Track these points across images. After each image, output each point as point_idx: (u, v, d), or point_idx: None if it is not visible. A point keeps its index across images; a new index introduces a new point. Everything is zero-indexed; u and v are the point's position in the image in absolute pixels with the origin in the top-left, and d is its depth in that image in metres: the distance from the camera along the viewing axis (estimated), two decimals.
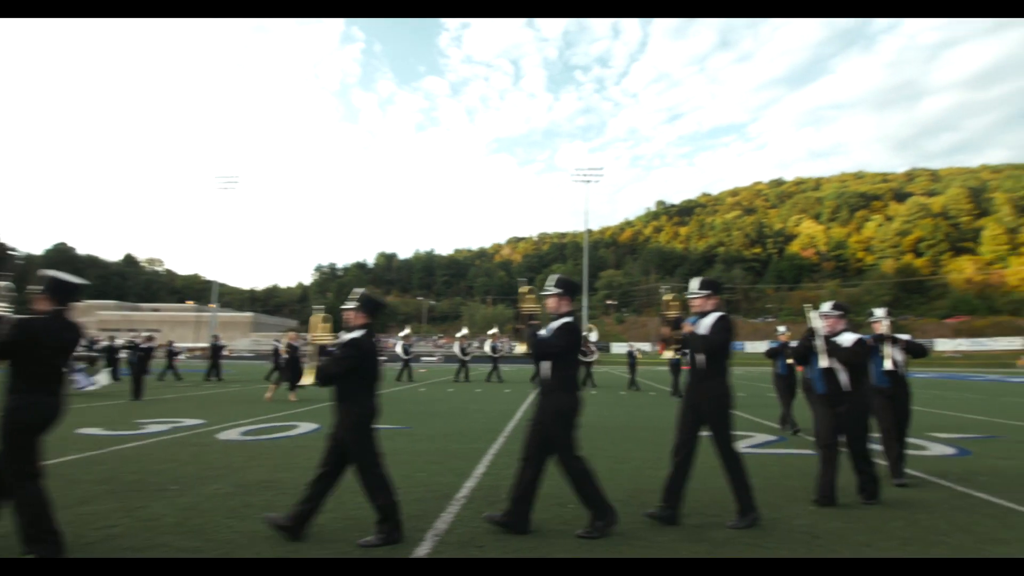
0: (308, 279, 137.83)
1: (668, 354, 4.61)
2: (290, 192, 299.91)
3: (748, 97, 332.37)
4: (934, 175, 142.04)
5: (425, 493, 4.66)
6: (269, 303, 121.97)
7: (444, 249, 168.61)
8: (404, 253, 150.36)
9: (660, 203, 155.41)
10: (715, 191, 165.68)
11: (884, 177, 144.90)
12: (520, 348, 3.96)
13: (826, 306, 4.85)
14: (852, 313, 5.07)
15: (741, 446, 7.09)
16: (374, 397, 3.71)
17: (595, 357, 19.08)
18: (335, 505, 4.07)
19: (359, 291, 3.96)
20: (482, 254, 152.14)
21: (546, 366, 3.73)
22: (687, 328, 4.09)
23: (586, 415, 10.17)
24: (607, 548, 3.40)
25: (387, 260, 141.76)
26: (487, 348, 22.59)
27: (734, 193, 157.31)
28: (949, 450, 6.86)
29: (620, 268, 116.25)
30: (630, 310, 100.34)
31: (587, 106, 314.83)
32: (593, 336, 18.98)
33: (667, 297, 4.48)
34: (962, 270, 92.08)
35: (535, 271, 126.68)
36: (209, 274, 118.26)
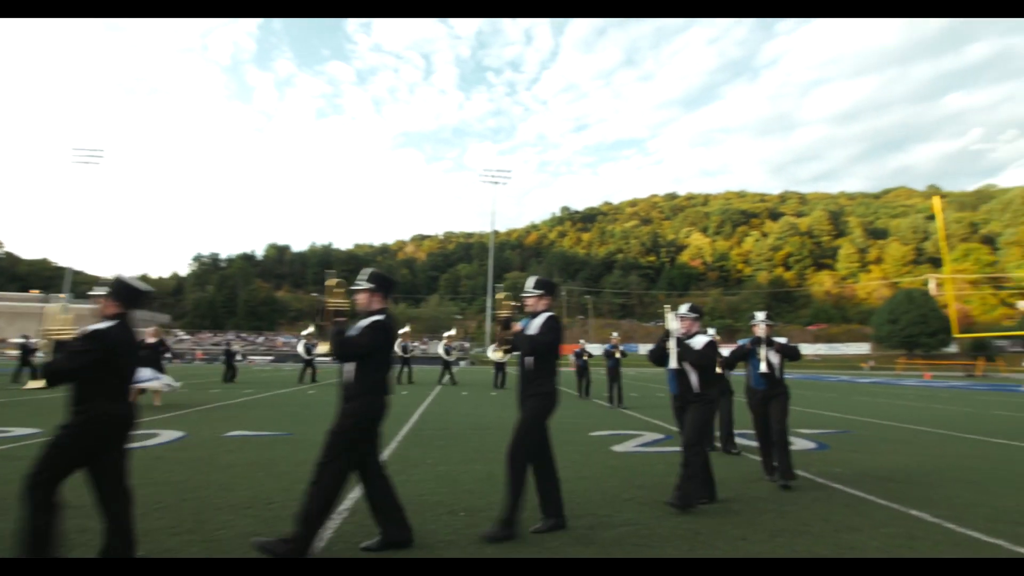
0: (185, 269, 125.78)
1: (497, 355, 4.50)
2: (167, 172, 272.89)
3: (648, 114, 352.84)
4: (802, 198, 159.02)
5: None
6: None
7: (343, 243, 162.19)
8: (298, 245, 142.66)
9: (565, 209, 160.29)
10: (616, 200, 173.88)
11: (762, 197, 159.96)
12: (323, 347, 3.71)
13: (683, 308, 4.81)
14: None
15: (631, 445, 7.27)
16: (118, 401, 2.96)
17: (505, 359, 18.88)
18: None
19: (115, 277, 3.26)
20: (384, 250, 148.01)
21: (350, 368, 3.32)
22: (516, 328, 3.96)
23: (484, 416, 9.86)
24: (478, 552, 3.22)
25: (279, 252, 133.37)
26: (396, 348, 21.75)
27: (633, 204, 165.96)
28: (811, 444, 7.49)
29: (525, 270, 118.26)
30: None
31: (498, 108, 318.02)
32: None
33: (500, 296, 4.32)
34: (822, 283, 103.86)
35: (440, 270, 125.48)
36: (61, 259, 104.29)
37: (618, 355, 13.03)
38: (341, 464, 3.25)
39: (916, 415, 11.80)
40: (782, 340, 5.57)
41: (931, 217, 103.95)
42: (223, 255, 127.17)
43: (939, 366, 51.56)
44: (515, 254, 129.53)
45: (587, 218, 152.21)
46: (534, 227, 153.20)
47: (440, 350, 20.89)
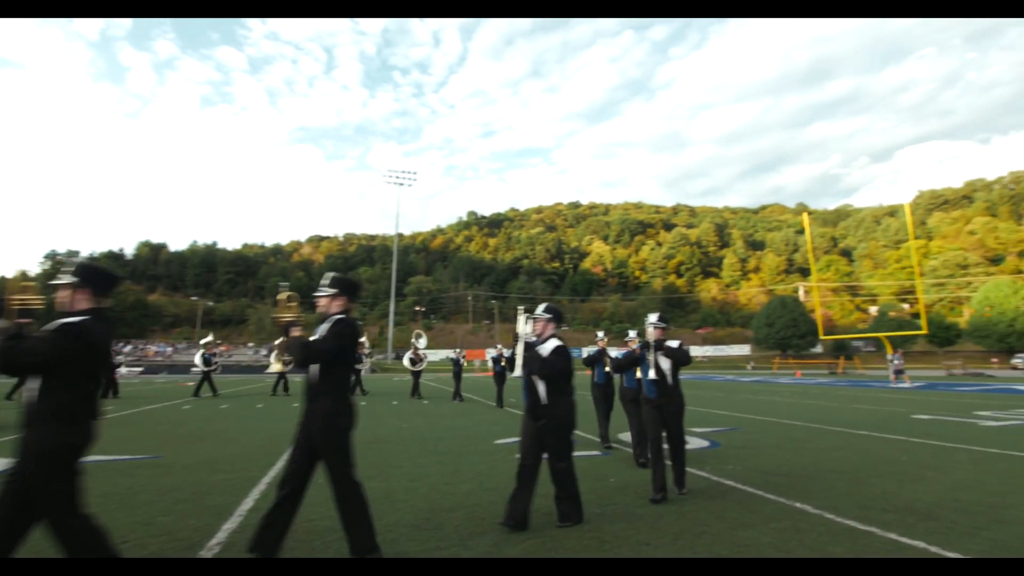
0: (36, 268, 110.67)
1: (276, 367, 3.93)
2: (13, 156, 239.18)
3: (554, 125, 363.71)
4: (692, 211, 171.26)
5: (165, 544, 3.69)
6: None
7: (230, 243, 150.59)
8: (177, 244, 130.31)
9: (472, 213, 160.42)
10: (522, 207, 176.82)
11: (657, 209, 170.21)
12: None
13: (539, 309, 4.42)
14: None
15: None
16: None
17: (423, 365, 18.17)
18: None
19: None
20: (278, 251, 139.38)
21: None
22: (296, 333, 3.34)
23: (383, 428, 9.33)
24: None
25: (152, 251, 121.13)
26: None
27: (539, 210, 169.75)
28: (704, 443, 7.85)
29: (430, 275, 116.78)
30: (438, 317, 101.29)
31: (404, 109, 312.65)
32: (422, 343, 18.02)
33: (282, 296, 3.65)
34: (709, 290, 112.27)
35: (340, 272, 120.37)
36: None
37: None
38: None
39: (792, 411, 12.87)
40: (674, 343, 5.09)
41: (800, 231, 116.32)
42: (84, 253, 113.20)
43: (808, 365, 57.47)
44: (420, 258, 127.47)
45: (494, 223, 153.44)
46: (440, 231, 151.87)
47: (198, 359, 19.28)
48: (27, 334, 2.63)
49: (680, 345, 5.11)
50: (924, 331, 38.83)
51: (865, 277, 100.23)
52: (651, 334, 5.07)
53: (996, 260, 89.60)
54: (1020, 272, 78.12)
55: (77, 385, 2.58)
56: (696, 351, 78.61)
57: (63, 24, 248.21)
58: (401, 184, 60.20)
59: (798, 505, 4.46)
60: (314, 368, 3.28)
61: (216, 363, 18.66)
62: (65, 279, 2.74)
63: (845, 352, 61.16)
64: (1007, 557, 3.31)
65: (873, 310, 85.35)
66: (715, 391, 21.42)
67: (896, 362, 23.85)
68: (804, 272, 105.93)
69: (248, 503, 4.73)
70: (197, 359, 18.51)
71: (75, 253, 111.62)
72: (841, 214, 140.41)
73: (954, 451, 7.03)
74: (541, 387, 4.08)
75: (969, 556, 3.33)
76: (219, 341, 75.09)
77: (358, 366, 18.77)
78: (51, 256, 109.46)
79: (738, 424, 10.23)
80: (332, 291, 3.51)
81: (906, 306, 79.31)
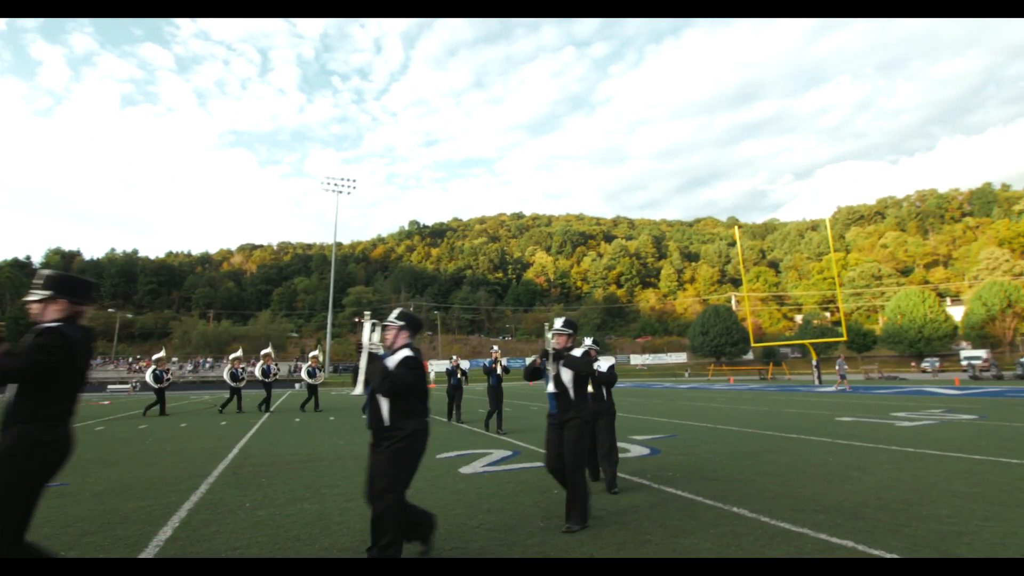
0: None
1: None
2: None
3: (497, 136, 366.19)
4: (631, 223, 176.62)
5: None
6: None
7: (152, 251, 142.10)
8: (92, 251, 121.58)
9: (414, 223, 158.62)
10: (465, 217, 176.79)
11: (598, 221, 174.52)
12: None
13: (392, 315, 3.95)
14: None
15: (479, 466, 7.04)
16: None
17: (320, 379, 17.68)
18: None
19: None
20: (205, 260, 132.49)
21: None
22: None
23: (320, 446, 8.88)
24: None
25: (65, 259, 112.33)
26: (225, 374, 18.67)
27: (482, 221, 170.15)
28: (644, 450, 7.95)
29: (370, 285, 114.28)
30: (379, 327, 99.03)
31: (344, 115, 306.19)
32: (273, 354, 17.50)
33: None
34: (648, 299, 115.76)
35: (273, 283, 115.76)
36: None
37: (499, 370, 11.28)
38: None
39: (726, 416, 13.33)
40: (577, 352, 4.57)
41: (732, 244, 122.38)
42: None
43: (740, 372, 60.17)
44: (360, 267, 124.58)
45: (436, 233, 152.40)
46: (381, 240, 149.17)
47: (303, 373, 18.61)
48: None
49: (588, 354, 4.59)
50: (844, 338, 41.56)
51: (791, 287, 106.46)
52: (551, 342, 4.50)
53: (906, 272, 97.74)
54: (927, 283, 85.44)
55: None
56: (636, 359, 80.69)
57: None
58: (340, 192, 58.70)
59: (735, 510, 4.55)
60: (12, 388, 2.57)
61: (168, 379, 17.55)
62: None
63: (773, 359, 64.48)
64: (926, 557, 3.47)
65: (798, 318, 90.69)
66: (654, 398, 21.95)
67: (843, 367, 25.21)
68: (736, 283, 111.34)
69: (166, 532, 4.37)
70: (148, 376, 17.39)
71: None
72: (769, 228, 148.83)
73: (875, 451, 7.44)
74: (385, 405, 3.46)
75: (892, 553, 3.47)
76: (174, 358, 70.18)
77: (313, 381, 17.89)
78: None
79: (676, 430, 10.47)
80: (46, 293, 2.71)
81: (828, 314, 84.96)
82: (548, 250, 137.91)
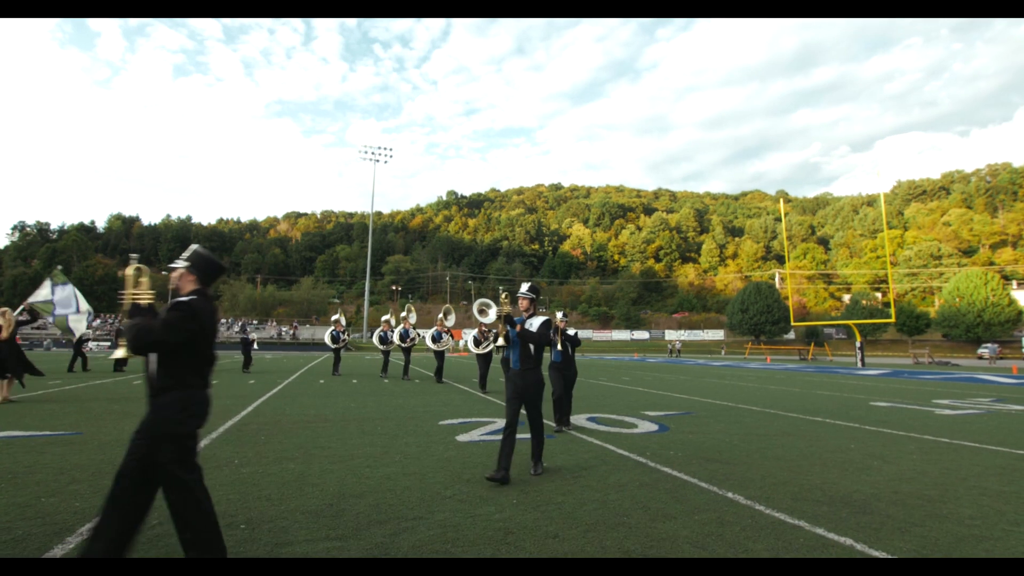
0: (3, 240, 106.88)
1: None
2: None
3: (538, 105, 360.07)
4: (673, 196, 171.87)
5: (34, 528, 3.39)
6: None
7: (205, 218, 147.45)
8: (150, 217, 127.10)
9: (452, 193, 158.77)
10: (503, 188, 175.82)
11: (638, 193, 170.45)
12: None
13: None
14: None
15: (476, 434, 6.88)
16: None
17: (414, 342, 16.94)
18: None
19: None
20: (254, 227, 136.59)
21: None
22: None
23: (331, 408, 8.83)
24: None
25: (125, 224, 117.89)
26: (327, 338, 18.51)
27: (520, 192, 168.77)
28: (652, 427, 7.59)
29: (408, 254, 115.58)
30: (416, 296, 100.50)
31: (385, 83, 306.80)
32: (413, 318, 16.92)
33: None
34: (687, 275, 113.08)
35: (317, 251, 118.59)
36: None
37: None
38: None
39: (751, 396, 12.77)
40: (536, 322, 5.00)
41: (779, 218, 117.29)
42: (54, 225, 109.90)
43: (779, 351, 58.32)
44: (399, 237, 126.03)
45: (474, 203, 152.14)
46: (419, 210, 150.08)
47: (327, 338, 18.41)
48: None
49: (547, 323, 4.98)
50: (893, 319, 39.49)
51: (841, 265, 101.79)
52: (502, 309, 4.86)
53: (969, 252, 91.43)
54: (992, 264, 79.98)
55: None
56: (671, 335, 79.36)
57: None
58: (377, 160, 58.93)
59: (730, 495, 4.19)
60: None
61: (344, 340, 17.99)
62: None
63: (816, 339, 62.19)
64: (932, 557, 3.05)
65: (846, 298, 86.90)
66: (681, 375, 21.39)
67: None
68: (782, 259, 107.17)
69: None
70: (327, 337, 18.15)
71: (45, 225, 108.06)
72: (820, 202, 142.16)
73: (904, 440, 6.87)
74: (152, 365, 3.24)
75: (894, 555, 3.06)
76: (225, 319, 73.48)
77: (336, 346, 17.91)
78: (19, 227, 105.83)
79: (693, 408, 10.04)
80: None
81: (879, 295, 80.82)
82: (586, 222, 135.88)
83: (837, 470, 5.10)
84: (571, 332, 7.53)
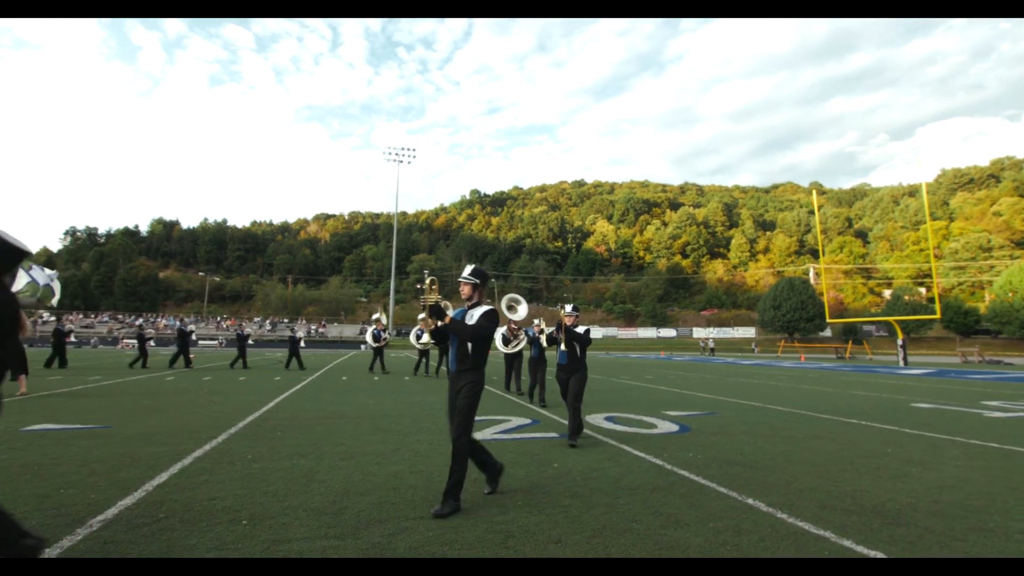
0: (56, 244, 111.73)
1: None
2: (32, 135, 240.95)
3: (560, 101, 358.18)
4: (700, 190, 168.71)
5: (48, 519, 3.42)
6: None
7: (240, 220, 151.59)
8: (189, 221, 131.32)
9: (475, 192, 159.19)
10: (526, 185, 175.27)
11: (664, 188, 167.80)
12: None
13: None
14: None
15: (490, 432, 6.76)
16: None
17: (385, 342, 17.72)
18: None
19: None
20: (285, 229, 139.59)
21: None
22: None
23: (350, 404, 8.76)
24: None
25: (166, 228, 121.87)
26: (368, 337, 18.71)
27: (542, 189, 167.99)
28: (674, 427, 7.31)
29: (432, 253, 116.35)
30: (441, 296, 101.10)
31: (409, 86, 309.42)
32: (384, 319, 17.26)
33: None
34: (715, 270, 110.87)
35: (345, 251, 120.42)
36: None
37: (544, 341, 9.28)
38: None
39: (781, 396, 12.30)
40: (477, 313, 4.46)
41: (813, 211, 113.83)
42: (102, 230, 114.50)
43: (814, 349, 56.63)
44: (423, 236, 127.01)
45: (496, 202, 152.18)
46: (443, 209, 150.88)
47: (368, 337, 18.39)
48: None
49: (490, 315, 4.13)
50: (938, 316, 37.78)
51: (880, 259, 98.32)
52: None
53: (1023, 243, 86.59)
54: None
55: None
56: (699, 332, 77.98)
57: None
58: (400, 161, 59.45)
59: (750, 501, 3.93)
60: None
61: (385, 339, 17.90)
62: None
63: (854, 336, 60.18)
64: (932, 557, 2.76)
65: (887, 294, 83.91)
66: (707, 373, 20.87)
67: None
68: (816, 254, 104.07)
69: (161, 478, 4.45)
70: (368, 336, 18.10)
71: (94, 230, 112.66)
72: (857, 194, 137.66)
73: (948, 444, 6.44)
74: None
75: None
76: (256, 318, 75.65)
77: (377, 345, 17.81)
78: (71, 232, 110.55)
79: (718, 408, 9.69)
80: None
81: (923, 290, 77.64)
82: (610, 219, 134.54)
83: (871, 476, 4.77)
84: (580, 330, 6.61)
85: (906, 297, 64.48)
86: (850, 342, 52.51)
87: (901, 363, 29.86)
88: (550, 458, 5.35)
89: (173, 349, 19.84)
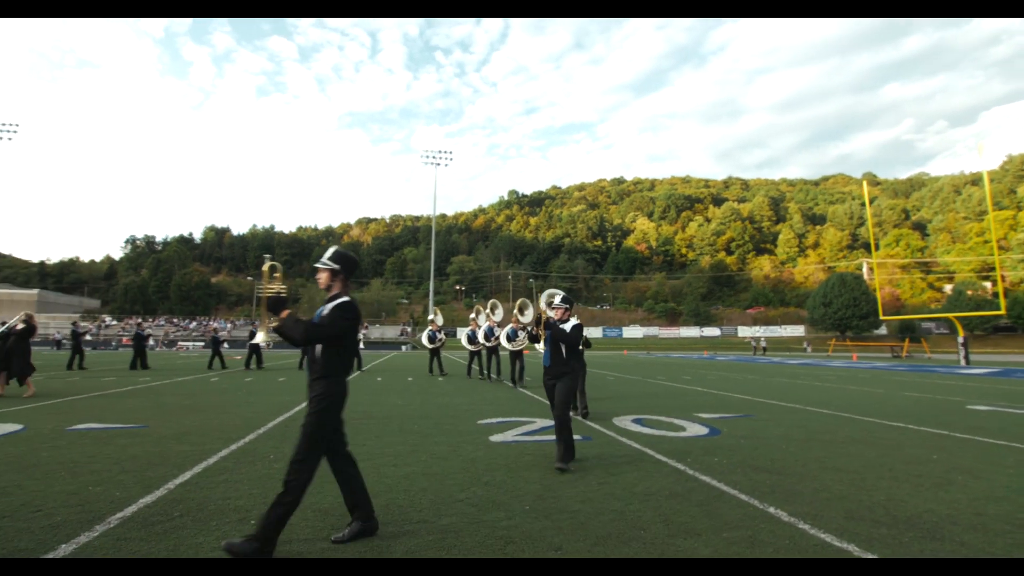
0: (118, 252, 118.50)
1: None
2: (95, 150, 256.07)
3: (598, 99, 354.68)
4: (745, 184, 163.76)
5: (72, 515, 3.56)
6: (64, 279, 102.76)
7: (286, 226, 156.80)
8: (239, 228, 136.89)
9: (513, 192, 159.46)
10: (564, 185, 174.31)
11: (706, 183, 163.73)
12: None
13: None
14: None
15: (512, 434, 6.65)
16: None
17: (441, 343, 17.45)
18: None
19: None
20: (329, 234, 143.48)
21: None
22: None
23: (379, 405, 8.80)
24: None
25: (218, 235, 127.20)
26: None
27: (581, 188, 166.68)
28: (703, 430, 7.04)
29: (472, 254, 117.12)
30: (479, 296, 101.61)
31: (447, 89, 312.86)
32: (439, 320, 17.07)
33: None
34: (762, 267, 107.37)
35: (386, 254, 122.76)
36: None
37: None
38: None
39: (824, 396, 11.74)
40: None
41: (865, 203, 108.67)
42: (159, 238, 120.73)
43: (868, 348, 54.04)
44: (462, 238, 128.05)
45: (535, 202, 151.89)
46: (481, 211, 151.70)
47: (424, 338, 17.91)
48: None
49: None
50: (1002, 311, 35.39)
51: (941, 252, 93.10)
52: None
53: None
54: None
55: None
56: (745, 331, 75.71)
57: (132, 22, 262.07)
58: (438, 164, 60.20)
59: (771, 510, 3.71)
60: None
61: (441, 339, 17.51)
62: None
63: (912, 334, 57.11)
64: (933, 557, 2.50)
65: (948, 289, 79.35)
66: (749, 374, 20.15)
67: None
68: (871, 248, 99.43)
69: (184, 477, 4.56)
70: (424, 338, 17.61)
71: (152, 238, 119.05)
72: (915, 184, 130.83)
73: (1003, 450, 5.96)
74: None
75: None
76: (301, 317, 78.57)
77: (432, 346, 17.46)
78: (131, 241, 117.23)
79: (754, 410, 9.30)
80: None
81: (988, 284, 72.96)
82: (650, 216, 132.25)
83: (909, 485, 4.44)
84: (567, 325, 5.28)
85: (969, 292, 60.73)
86: (907, 340, 49.84)
87: (962, 362, 28.14)
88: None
89: (244, 351, 20.70)
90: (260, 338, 3.23)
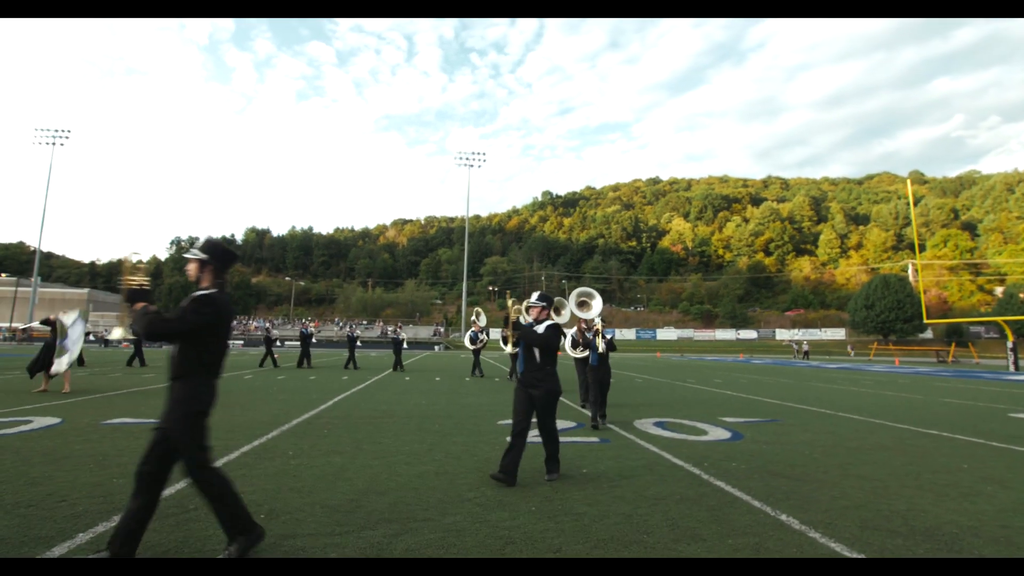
0: (163, 253, 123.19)
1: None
2: (143, 154, 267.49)
3: (634, 98, 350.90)
4: (785, 183, 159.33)
5: (93, 506, 3.72)
6: (113, 279, 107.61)
7: (324, 228, 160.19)
8: (278, 230, 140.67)
9: (547, 193, 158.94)
10: (598, 185, 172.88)
11: (745, 182, 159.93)
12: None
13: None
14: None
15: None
16: None
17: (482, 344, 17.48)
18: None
19: None
20: (365, 235, 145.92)
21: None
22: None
23: (402, 404, 8.94)
24: None
25: (258, 236, 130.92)
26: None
27: (615, 188, 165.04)
28: (726, 435, 6.90)
29: (505, 255, 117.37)
30: (514, 296, 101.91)
31: (482, 91, 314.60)
32: (482, 320, 17.07)
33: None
34: (802, 268, 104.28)
35: (421, 255, 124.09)
36: (34, 242, 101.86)
37: (601, 346, 7.85)
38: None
39: (859, 402, 11.34)
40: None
41: (916, 201, 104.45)
42: (202, 239, 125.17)
43: (912, 352, 51.87)
44: (496, 239, 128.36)
45: (568, 203, 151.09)
46: (515, 212, 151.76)
47: (466, 340, 17.80)
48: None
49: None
50: None
51: (992, 254, 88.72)
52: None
53: None
54: None
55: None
56: (783, 334, 73.67)
57: (178, 30, 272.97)
58: (471, 166, 60.63)
59: (783, 517, 3.61)
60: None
61: (482, 340, 17.60)
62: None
63: (959, 338, 54.56)
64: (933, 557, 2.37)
65: (999, 291, 75.54)
66: (783, 377, 19.59)
67: None
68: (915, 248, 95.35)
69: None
70: (466, 340, 17.61)
71: (195, 239, 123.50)
72: (965, 182, 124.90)
73: None
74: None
75: None
76: (337, 319, 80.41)
77: (474, 347, 17.44)
78: (175, 242, 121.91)
79: (782, 414, 9.05)
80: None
81: None
82: (686, 216, 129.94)
83: (933, 495, 4.26)
84: (540, 327, 4.78)
85: (1021, 295, 57.61)
86: (953, 344, 47.65)
87: (1011, 368, 26.74)
88: (581, 463, 5.20)
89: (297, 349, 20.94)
90: (117, 333, 3.05)
